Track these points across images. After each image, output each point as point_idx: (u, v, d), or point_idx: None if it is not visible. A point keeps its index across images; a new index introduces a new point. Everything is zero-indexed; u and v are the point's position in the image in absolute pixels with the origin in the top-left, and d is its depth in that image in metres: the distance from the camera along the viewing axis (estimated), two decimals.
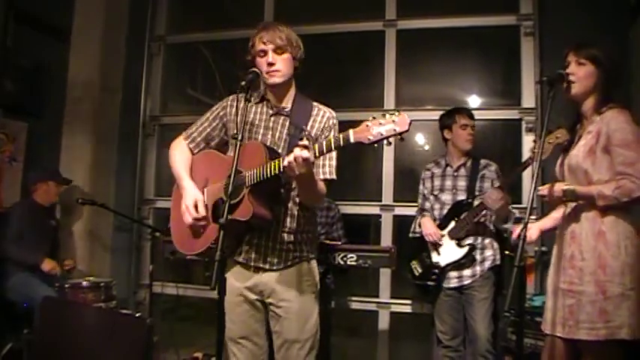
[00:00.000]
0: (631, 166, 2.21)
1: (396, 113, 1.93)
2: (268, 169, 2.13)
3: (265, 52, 2.33)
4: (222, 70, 5.38)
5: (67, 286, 3.76)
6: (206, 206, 2.35)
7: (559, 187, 2.37)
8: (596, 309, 2.23)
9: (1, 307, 3.88)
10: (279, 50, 2.33)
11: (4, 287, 3.90)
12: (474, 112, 3.66)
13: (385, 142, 1.94)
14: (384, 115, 1.93)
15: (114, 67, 5.01)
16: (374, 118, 1.95)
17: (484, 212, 3.40)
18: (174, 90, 5.52)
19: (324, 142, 2.04)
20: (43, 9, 4.54)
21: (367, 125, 1.94)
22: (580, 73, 2.38)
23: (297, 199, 2.36)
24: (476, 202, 3.43)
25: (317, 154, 2.05)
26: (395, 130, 1.90)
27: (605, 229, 2.28)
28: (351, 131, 1.98)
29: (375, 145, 1.94)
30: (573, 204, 2.41)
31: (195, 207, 2.31)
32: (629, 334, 2.19)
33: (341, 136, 2.00)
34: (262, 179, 2.16)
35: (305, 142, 2.03)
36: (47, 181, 4.25)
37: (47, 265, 3.94)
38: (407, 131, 1.91)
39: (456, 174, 3.56)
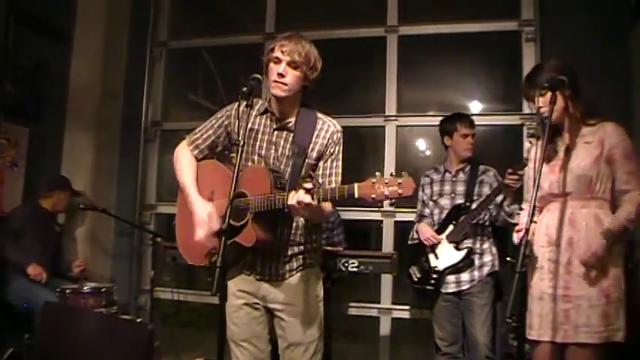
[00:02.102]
0: (634, 176, 2.37)
1: (403, 175, 1.94)
2: (274, 203, 2.14)
3: (279, 61, 2.30)
4: (224, 76, 5.38)
5: (68, 291, 3.75)
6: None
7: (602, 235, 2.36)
8: (598, 313, 2.31)
9: (2, 311, 3.88)
10: (292, 64, 2.29)
11: (6, 291, 3.90)
12: (475, 117, 3.66)
13: (388, 202, 1.97)
14: (391, 175, 1.95)
15: (115, 71, 5.02)
16: (380, 175, 1.95)
17: (483, 213, 3.41)
18: (176, 95, 5.52)
19: (329, 190, 2.07)
20: (44, 11, 4.55)
21: (372, 182, 1.95)
22: (547, 102, 2.39)
23: None
24: (474, 206, 3.44)
25: (319, 200, 2.07)
26: (399, 193, 1.92)
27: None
28: (356, 186, 1.99)
29: (379, 204, 1.97)
30: (568, 210, 2.43)
31: (209, 221, 2.30)
32: (623, 337, 2.32)
33: (346, 188, 2.01)
34: (267, 210, 2.17)
35: (309, 185, 2.04)
36: (65, 190, 4.31)
37: (32, 269, 3.90)
38: (411, 195, 1.93)
39: (454, 179, 3.57)
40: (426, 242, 3.51)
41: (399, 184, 1.92)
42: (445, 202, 3.56)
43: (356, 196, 1.98)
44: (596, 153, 2.40)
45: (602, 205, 2.41)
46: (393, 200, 1.96)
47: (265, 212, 2.18)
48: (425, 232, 3.53)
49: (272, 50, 2.34)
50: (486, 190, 3.46)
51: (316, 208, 2.10)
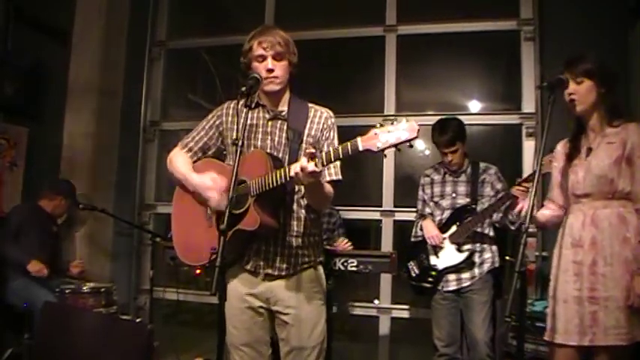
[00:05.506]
0: None
1: (405, 120, 1.90)
2: (274, 178, 2.11)
3: (264, 58, 2.31)
4: (223, 75, 5.38)
5: (67, 291, 3.74)
6: (210, 217, 2.34)
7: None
8: (625, 313, 2.26)
9: (2, 311, 3.88)
10: (278, 57, 2.31)
11: (5, 291, 3.90)
12: (474, 116, 3.65)
13: (394, 149, 1.91)
14: (391, 122, 1.91)
15: (114, 71, 5.01)
16: (381, 125, 1.91)
17: (487, 221, 3.41)
18: (175, 95, 5.52)
19: (332, 151, 2.02)
20: (43, 12, 4.54)
21: (375, 133, 1.91)
22: (581, 91, 2.39)
23: (303, 202, 2.35)
24: (478, 208, 3.43)
25: (324, 163, 2.03)
26: (404, 137, 1.88)
27: (629, 235, 2.32)
28: (359, 139, 1.95)
29: (384, 153, 1.92)
30: (590, 211, 2.40)
31: (218, 181, 2.28)
32: None
33: (349, 144, 1.97)
34: (268, 188, 2.14)
35: (312, 149, 2.00)
36: (69, 199, 4.30)
37: (33, 266, 3.88)
38: (416, 138, 1.88)
39: (455, 179, 3.56)
40: (429, 240, 3.50)
41: (403, 128, 1.88)
42: (446, 203, 3.55)
43: (360, 149, 1.94)
44: (617, 154, 2.36)
45: (625, 204, 2.36)
46: (399, 148, 1.91)
47: (267, 194, 2.16)
48: (430, 230, 3.51)
49: (250, 49, 2.34)
50: (488, 190, 3.46)
51: (318, 181, 2.08)
